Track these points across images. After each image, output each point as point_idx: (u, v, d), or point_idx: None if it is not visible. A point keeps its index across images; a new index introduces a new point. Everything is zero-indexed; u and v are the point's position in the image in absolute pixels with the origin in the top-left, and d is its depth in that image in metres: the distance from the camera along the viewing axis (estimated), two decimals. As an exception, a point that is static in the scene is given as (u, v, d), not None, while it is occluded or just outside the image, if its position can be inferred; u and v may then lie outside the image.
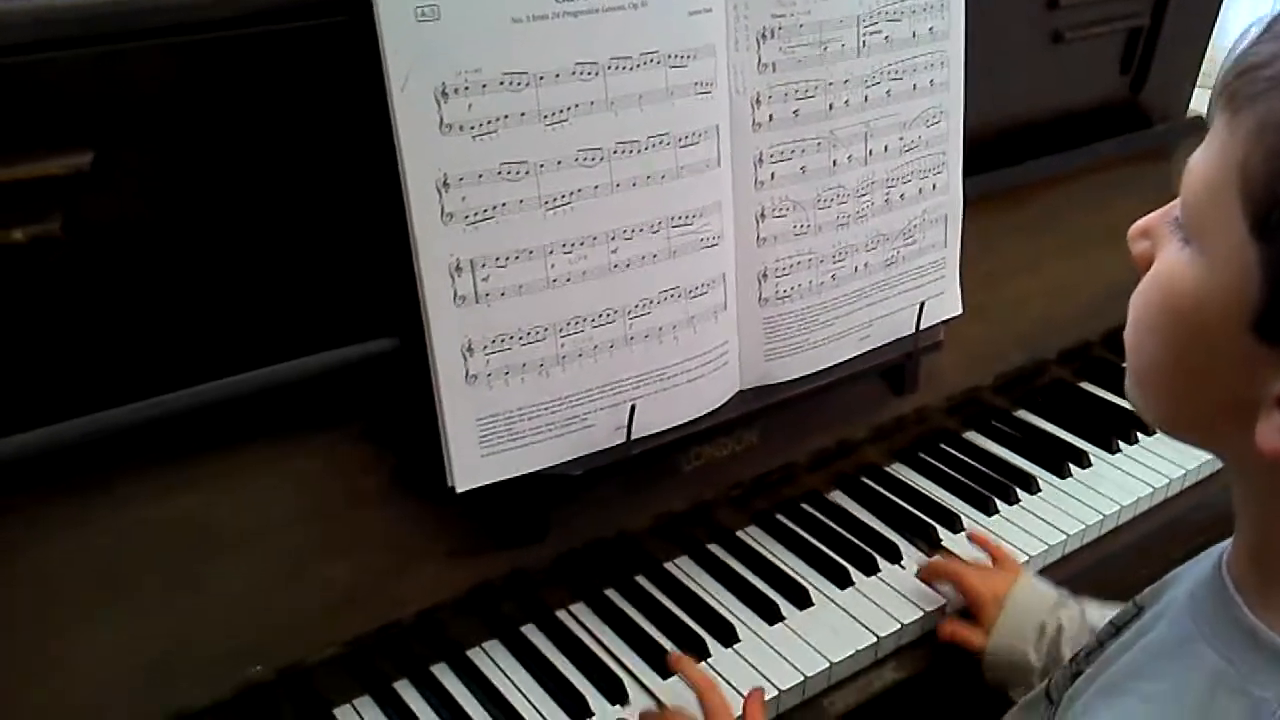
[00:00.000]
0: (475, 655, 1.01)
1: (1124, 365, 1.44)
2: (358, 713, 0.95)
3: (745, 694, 0.97)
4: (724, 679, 0.99)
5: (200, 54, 0.77)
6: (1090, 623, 0.99)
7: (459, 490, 0.92)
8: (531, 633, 1.04)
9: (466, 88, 0.83)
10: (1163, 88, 1.47)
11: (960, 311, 1.22)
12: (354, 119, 0.84)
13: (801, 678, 1.01)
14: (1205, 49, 1.50)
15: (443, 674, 0.99)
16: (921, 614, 1.08)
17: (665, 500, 1.08)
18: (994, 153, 1.29)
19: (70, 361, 0.81)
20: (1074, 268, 1.42)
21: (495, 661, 1.01)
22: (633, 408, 0.96)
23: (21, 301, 0.77)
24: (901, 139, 1.09)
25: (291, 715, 0.93)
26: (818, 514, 1.20)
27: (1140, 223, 0.65)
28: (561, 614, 1.06)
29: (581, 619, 1.06)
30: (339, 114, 0.85)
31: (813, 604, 1.08)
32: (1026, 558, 1.16)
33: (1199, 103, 1.59)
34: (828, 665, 1.02)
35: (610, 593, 1.08)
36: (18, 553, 0.78)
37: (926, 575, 1.11)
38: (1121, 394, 1.41)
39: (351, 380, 0.90)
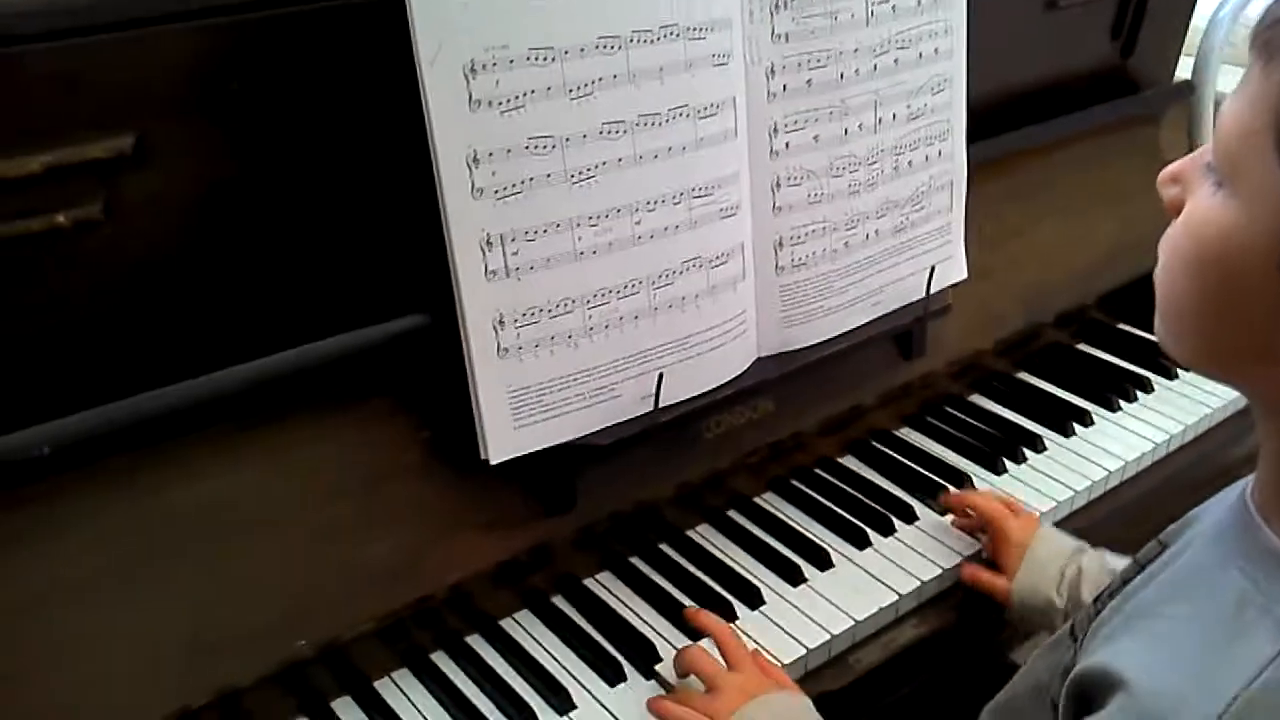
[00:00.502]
0: (509, 625, 1.03)
1: (1119, 326, 1.47)
2: (396, 684, 0.97)
3: (774, 653, 0.99)
4: (753, 640, 1.01)
5: (233, 35, 0.78)
6: (1110, 566, 1.02)
7: (493, 462, 0.93)
8: (562, 602, 1.06)
9: (494, 63, 0.84)
10: (1151, 54, 1.50)
11: (966, 276, 1.24)
12: (385, 98, 0.84)
13: (828, 636, 1.03)
14: (1190, 16, 1.53)
15: (478, 644, 1.00)
16: (940, 571, 1.11)
17: (687, 469, 1.10)
18: (991, 120, 1.31)
19: (109, 344, 0.82)
20: (1069, 232, 1.45)
21: (529, 631, 1.02)
22: (660, 376, 0.97)
23: (65, 285, 0.77)
24: (909, 107, 1.11)
25: (334, 689, 0.94)
26: (833, 479, 1.22)
27: (1170, 168, 0.66)
28: (589, 583, 1.08)
29: (610, 587, 1.07)
30: (371, 93, 0.86)
31: (833, 565, 1.11)
32: (1037, 514, 1.19)
33: (1184, 69, 1.62)
34: (852, 624, 1.05)
35: (636, 560, 1.10)
36: (70, 533, 0.79)
37: (954, 501, 1.14)
38: (1119, 354, 1.46)
39: (383, 358, 0.91)
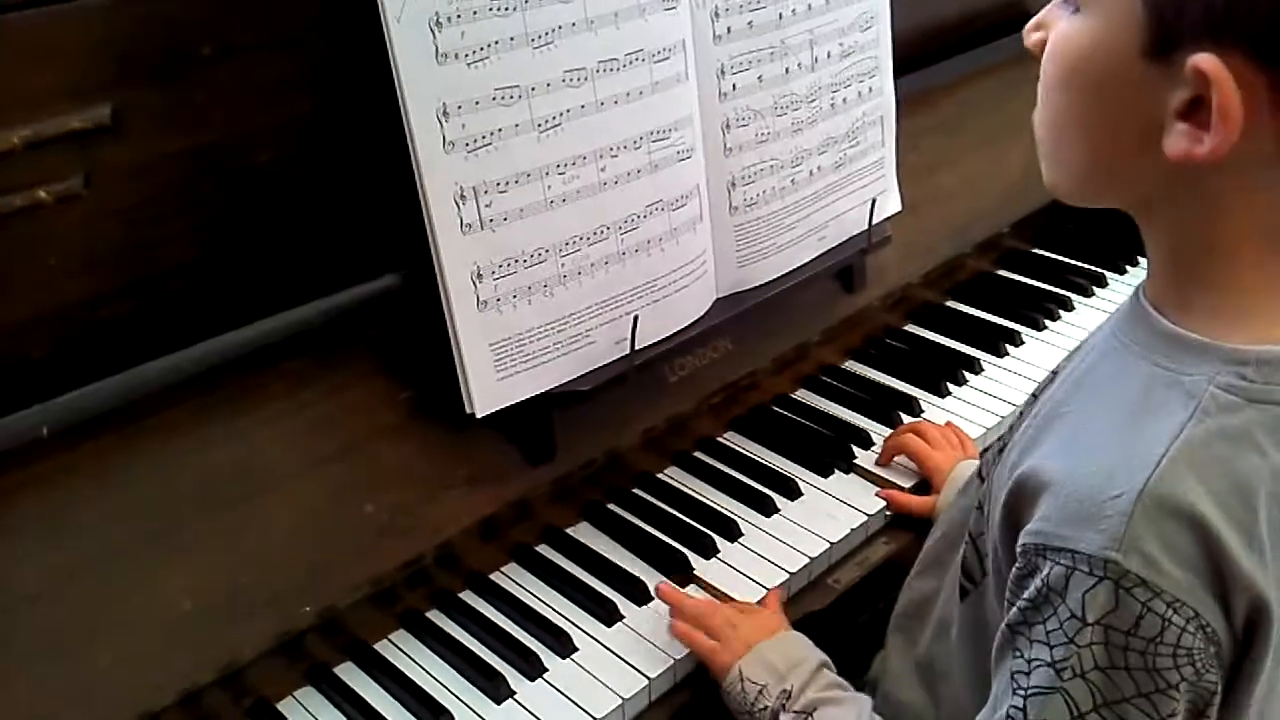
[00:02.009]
0: (499, 579, 1.04)
1: (1034, 251, 1.53)
2: (397, 646, 0.97)
3: (760, 581, 1.02)
4: (737, 570, 1.05)
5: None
6: None
7: (479, 415, 0.94)
8: (548, 551, 1.07)
9: (459, 15, 0.85)
10: (1046, -14, 1.57)
11: (900, 208, 1.29)
12: (352, 59, 0.84)
13: (807, 559, 1.07)
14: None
15: (473, 600, 1.01)
16: (904, 489, 1.15)
17: (656, 412, 1.12)
18: (910, 57, 1.35)
19: (91, 323, 0.80)
20: (985, 162, 1.50)
21: (520, 583, 1.04)
22: (635, 319, 0.99)
23: (51, 257, 0.76)
24: (841, 44, 1.14)
25: (335, 655, 0.94)
26: (791, 413, 1.26)
27: (1033, 20, 0.71)
28: (571, 531, 1.10)
29: (591, 534, 1.09)
30: (338, 55, 0.86)
31: (802, 494, 1.14)
32: (983, 430, 1.24)
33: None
34: (828, 545, 1.08)
35: (613, 507, 1.12)
36: (81, 507, 0.78)
37: (883, 457, 1.18)
38: (1038, 277, 1.52)
39: (361, 319, 0.92)
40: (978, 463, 1.13)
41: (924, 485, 1.15)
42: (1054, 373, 0.81)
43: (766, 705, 0.89)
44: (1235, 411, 0.64)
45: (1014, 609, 0.67)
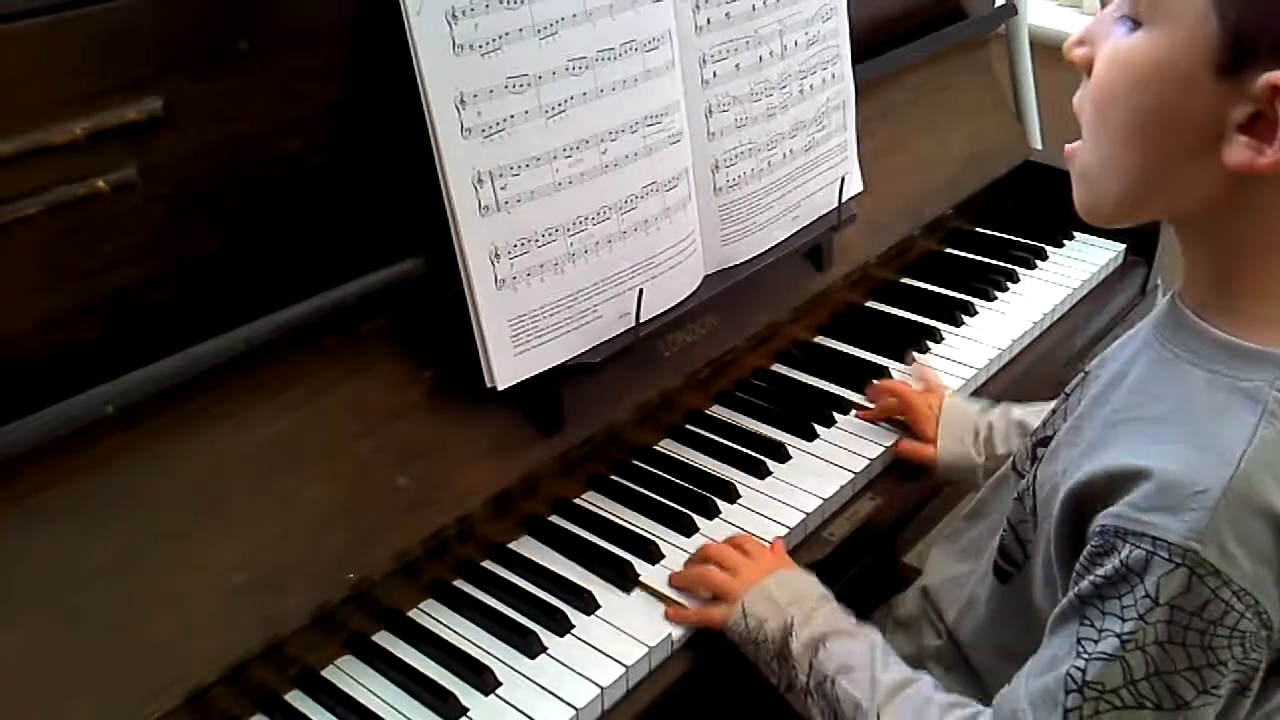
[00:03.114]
0: (518, 547, 1.09)
1: (977, 230, 1.63)
2: (429, 614, 1.02)
3: (762, 536, 1.09)
4: (740, 527, 1.11)
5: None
6: (1014, 417, 1.16)
7: (500, 388, 1.00)
8: (560, 521, 1.12)
9: (472, 9, 0.91)
10: (976, -19, 1.68)
11: (862, 188, 1.37)
12: (377, 53, 0.89)
13: (802, 515, 1.14)
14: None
15: (495, 568, 1.06)
16: (882, 449, 1.23)
17: (651, 387, 1.18)
18: (858, 48, 1.44)
19: (148, 302, 0.84)
20: (930, 147, 1.60)
21: (537, 552, 1.08)
22: (640, 292, 1.06)
23: (106, 244, 0.80)
24: (806, 34, 1.22)
25: (371, 624, 0.99)
26: (771, 386, 1.33)
27: (1076, 34, 0.77)
28: (579, 501, 1.15)
29: (599, 503, 1.15)
30: (364, 49, 0.91)
31: (791, 457, 1.21)
32: (959, 384, 1.33)
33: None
34: (821, 501, 1.16)
35: (616, 477, 1.18)
36: (136, 490, 0.81)
37: (872, 394, 1.27)
38: (983, 253, 1.62)
39: (388, 300, 0.96)
40: (964, 403, 1.22)
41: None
42: (1085, 372, 0.87)
43: (769, 636, 0.95)
44: None
45: (1086, 582, 0.73)
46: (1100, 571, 0.73)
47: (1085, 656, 0.73)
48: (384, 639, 0.99)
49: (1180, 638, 0.70)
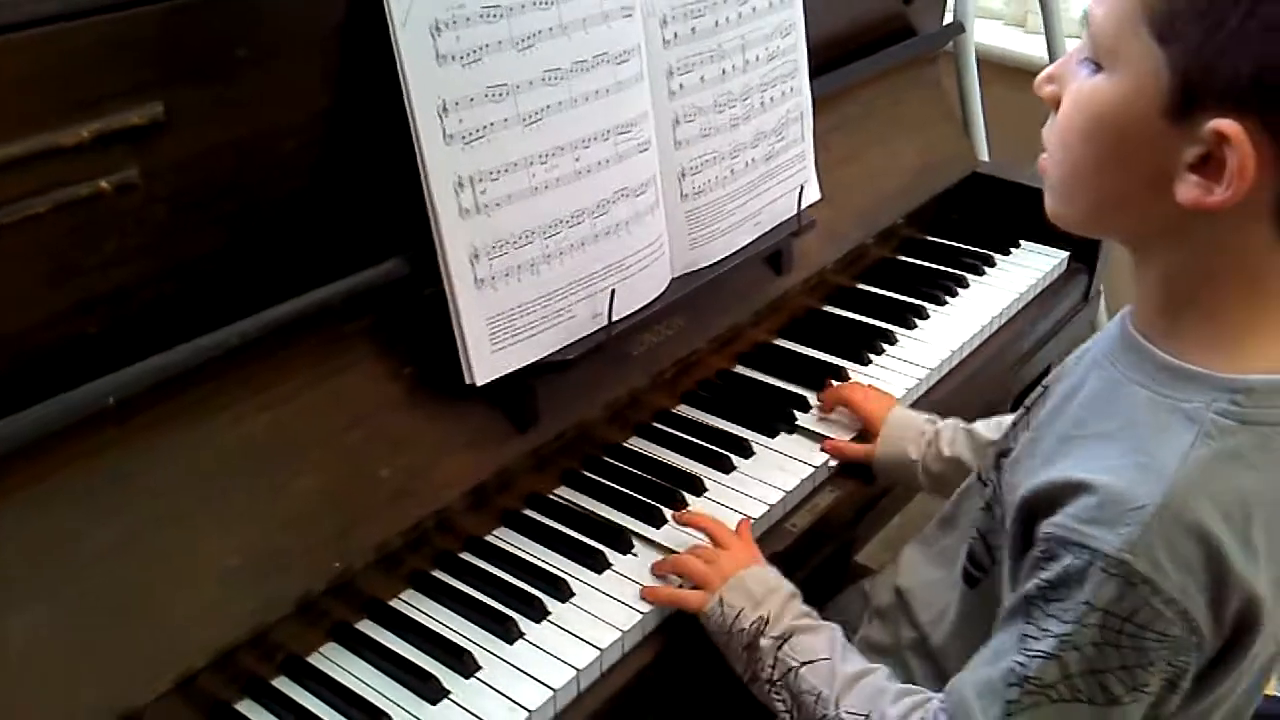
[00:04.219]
0: (495, 539, 1.13)
1: (928, 238, 1.70)
2: (409, 603, 1.05)
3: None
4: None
5: (236, 6, 0.86)
6: (963, 425, 1.22)
7: (479, 384, 1.04)
8: (534, 514, 1.16)
9: (455, 21, 0.95)
10: (924, 2, 1.74)
11: (820, 197, 1.43)
12: (365, 62, 0.94)
13: (766, 507, 1.19)
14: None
15: (472, 559, 1.10)
16: (841, 445, 1.29)
17: (621, 386, 1.23)
18: (817, 63, 1.50)
19: (147, 298, 0.88)
20: (883, 158, 1.66)
21: (513, 543, 1.12)
22: (613, 293, 1.10)
23: (108, 242, 0.83)
24: (767, 49, 1.28)
25: (354, 613, 1.02)
26: (734, 386, 1.39)
27: (1045, 71, 0.83)
28: (553, 495, 1.19)
29: (571, 497, 1.19)
30: (353, 58, 0.95)
31: (754, 453, 1.27)
32: (904, 390, 1.39)
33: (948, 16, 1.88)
34: (783, 494, 1.21)
35: (588, 472, 1.22)
36: (135, 478, 0.85)
37: (826, 401, 1.32)
38: (935, 260, 1.69)
39: (372, 299, 1.00)
40: (913, 412, 1.28)
41: (861, 439, 1.29)
42: (1044, 387, 0.93)
43: (744, 628, 0.99)
44: (1232, 434, 0.75)
45: (1031, 584, 0.79)
46: (1044, 575, 0.78)
47: (1027, 653, 0.78)
48: (367, 627, 1.02)
49: (1114, 640, 0.75)
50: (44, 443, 0.80)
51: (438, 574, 1.08)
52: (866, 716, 0.90)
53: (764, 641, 0.98)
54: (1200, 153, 0.72)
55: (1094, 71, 0.77)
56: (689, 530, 1.13)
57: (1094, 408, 0.84)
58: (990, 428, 1.18)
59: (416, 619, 1.03)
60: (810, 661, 0.95)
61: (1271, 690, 1.42)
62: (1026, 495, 0.83)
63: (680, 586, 1.06)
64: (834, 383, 1.37)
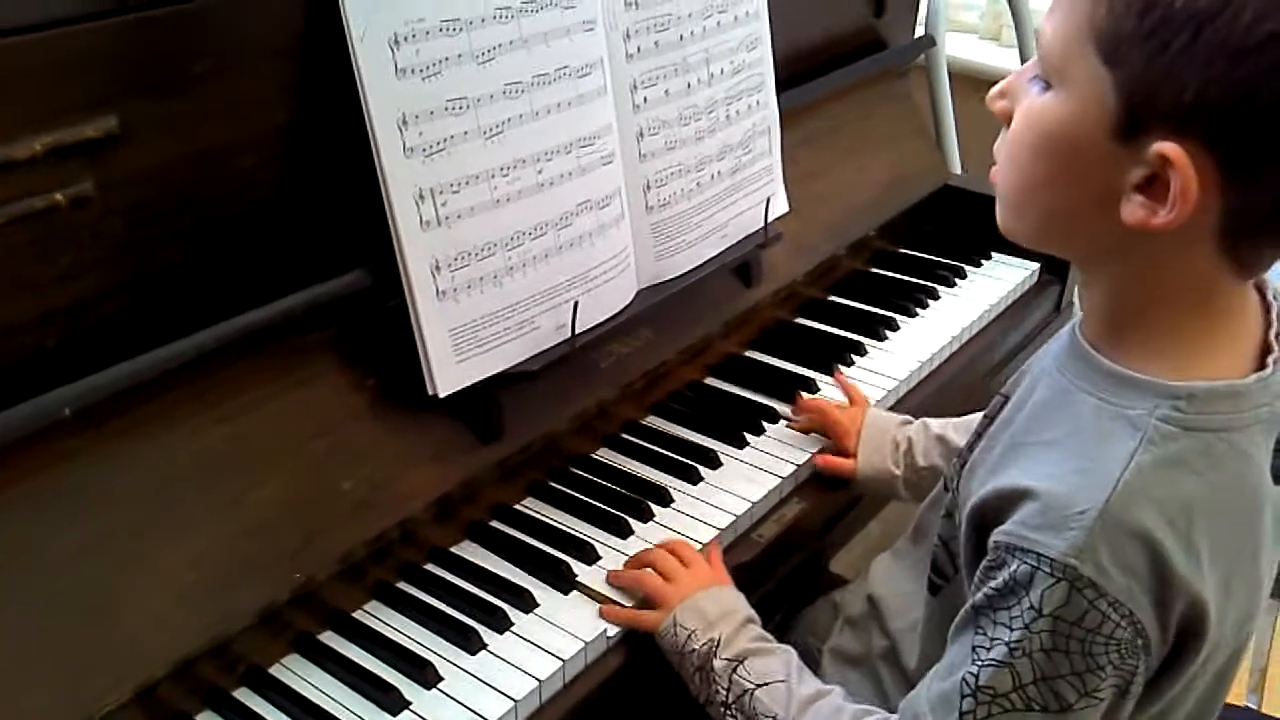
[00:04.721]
0: (460, 551, 1.13)
1: (900, 250, 1.72)
2: (374, 615, 1.05)
3: (694, 537, 1.14)
4: (673, 530, 1.16)
5: (196, 21, 0.87)
6: (934, 431, 1.23)
7: (441, 395, 1.04)
8: (501, 525, 1.17)
9: (414, 35, 0.96)
10: (897, 15, 1.76)
11: (788, 209, 1.44)
12: (324, 76, 0.94)
13: (732, 517, 1.19)
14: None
15: (437, 570, 1.10)
16: (807, 455, 1.29)
17: (589, 397, 1.23)
18: (783, 77, 1.51)
19: (104, 311, 0.88)
20: (853, 171, 1.68)
21: (478, 555, 1.12)
22: (576, 304, 1.11)
23: (63, 255, 0.84)
24: (732, 62, 1.29)
25: (317, 625, 1.02)
26: (703, 397, 1.39)
27: (998, 87, 0.83)
28: (519, 507, 1.19)
29: (538, 509, 1.19)
30: (312, 72, 0.96)
31: (722, 464, 1.27)
32: (872, 403, 1.40)
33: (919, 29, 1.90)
34: (750, 505, 1.21)
35: (555, 484, 1.22)
36: (95, 488, 0.85)
37: (797, 410, 1.33)
38: (906, 272, 1.70)
39: (334, 311, 1.01)
40: (886, 415, 1.29)
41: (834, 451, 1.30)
42: (1005, 396, 0.93)
43: (695, 649, 1.00)
44: (1174, 440, 0.76)
45: (980, 594, 0.79)
46: (992, 584, 0.78)
47: (979, 663, 0.78)
48: (329, 638, 1.02)
49: (1063, 645, 0.75)
50: (1, 452, 0.80)
51: (402, 585, 1.08)
52: None
53: (717, 663, 0.98)
54: (1146, 174, 0.72)
55: (1044, 89, 0.77)
56: (655, 541, 1.13)
57: (1042, 415, 0.85)
58: (962, 430, 1.19)
59: (379, 630, 1.03)
60: (765, 684, 0.96)
61: (1237, 700, 1.42)
62: (976, 504, 0.84)
63: (640, 603, 1.07)
64: (804, 395, 1.38)
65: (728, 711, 0.97)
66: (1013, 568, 0.77)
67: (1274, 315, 0.83)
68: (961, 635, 0.81)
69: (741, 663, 0.98)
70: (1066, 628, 0.75)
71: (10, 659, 0.81)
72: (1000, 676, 0.77)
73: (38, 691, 0.82)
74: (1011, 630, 0.77)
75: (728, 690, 0.97)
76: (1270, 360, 0.80)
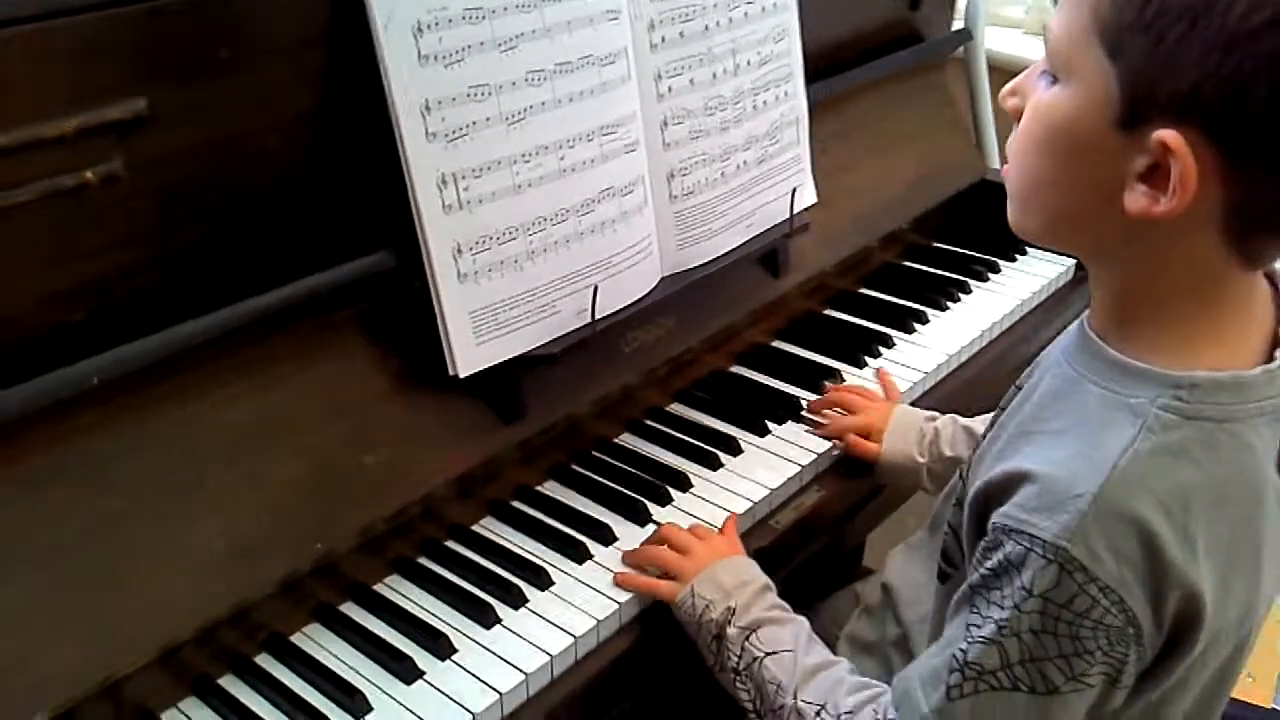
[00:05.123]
0: (480, 529, 1.15)
1: (935, 245, 1.72)
2: (394, 588, 1.08)
3: (712, 523, 1.16)
4: (691, 515, 1.18)
5: (221, 7, 0.90)
6: (962, 423, 1.23)
7: (461, 376, 1.07)
8: (521, 505, 1.19)
9: (437, 23, 0.99)
10: (931, 6, 1.76)
11: (816, 200, 1.45)
12: (349, 62, 0.97)
13: (750, 503, 1.21)
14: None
15: (458, 548, 1.13)
16: (829, 444, 1.30)
17: (613, 381, 1.25)
18: (816, 69, 1.52)
19: (133, 287, 0.92)
20: (886, 164, 1.68)
21: (498, 533, 1.15)
22: (595, 289, 1.13)
23: (93, 232, 0.88)
24: (759, 53, 1.30)
25: (337, 596, 1.05)
26: (728, 385, 1.41)
27: (1009, 85, 0.84)
28: (540, 488, 1.22)
29: (558, 490, 1.22)
30: (337, 58, 0.99)
31: (743, 451, 1.28)
32: (907, 386, 1.40)
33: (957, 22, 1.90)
34: (768, 492, 1.22)
35: (576, 467, 1.25)
36: (122, 460, 0.89)
37: (817, 405, 1.34)
38: (938, 266, 1.70)
39: (360, 291, 1.04)
40: (915, 410, 1.29)
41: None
42: (1018, 386, 0.94)
43: (712, 618, 1.01)
44: (1174, 429, 0.76)
45: (977, 574, 0.81)
46: (988, 564, 0.80)
47: (969, 640, 0.80)
48: (349, 609, 1.05)
49: (1051, 627, 0.76)
50: (31, 422, 0.84)
51: (422, 560, 1.11)
52: (822, 706, 0.91)
53: (731, 630, 1.00)
54: (1148, 163, 0.73)
55: (1051, 84, 0.79)
56: (673, 523, 1.15)
57: (1049, 404, 0.86)
58: (986, 424, 1.20)
59: (398, 603, 1.06)
60: (774, 652, 0.97)
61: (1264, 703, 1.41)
62: (980, 487, 0.85)
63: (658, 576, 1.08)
64: (829, 385, 1.39)
65: (737, 677, 0.99)
66: (1007, 548, 0.78)
67: None
68: (958, 614, 0.82)
69: (755, 631, 0.99)
70: (1055, 610, 0.76)
71: (41, 620, 0.85)
72: (988, 654, 0.78)
73: (66, 649, 0.85)
74: (1003, 609, 0.78)
75: (739, 657, 0.99)
76: (1279, 353, 0.80)
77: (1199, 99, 0.69)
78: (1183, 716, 0.87)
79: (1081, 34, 0.75)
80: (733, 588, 1.03)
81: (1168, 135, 0.70)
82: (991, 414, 1.04)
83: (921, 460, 1.24)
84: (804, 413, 1.34)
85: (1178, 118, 0.70)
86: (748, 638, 0.99)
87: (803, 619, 1.02)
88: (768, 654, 0.97)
